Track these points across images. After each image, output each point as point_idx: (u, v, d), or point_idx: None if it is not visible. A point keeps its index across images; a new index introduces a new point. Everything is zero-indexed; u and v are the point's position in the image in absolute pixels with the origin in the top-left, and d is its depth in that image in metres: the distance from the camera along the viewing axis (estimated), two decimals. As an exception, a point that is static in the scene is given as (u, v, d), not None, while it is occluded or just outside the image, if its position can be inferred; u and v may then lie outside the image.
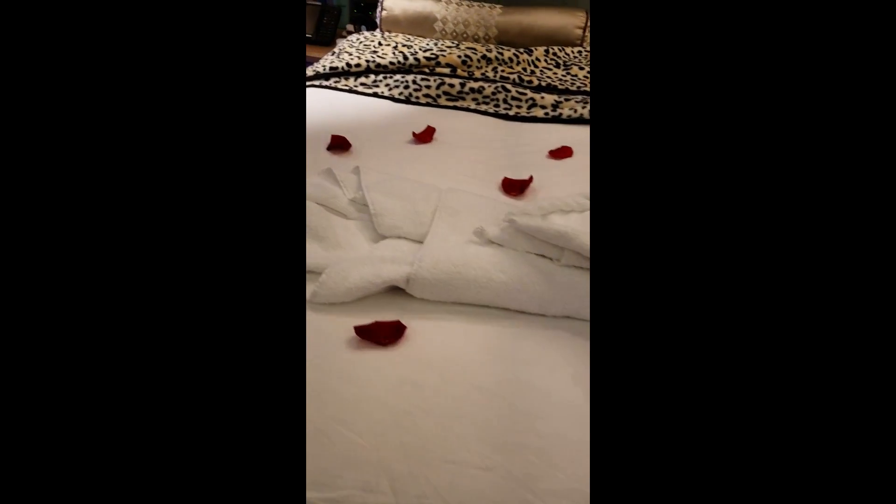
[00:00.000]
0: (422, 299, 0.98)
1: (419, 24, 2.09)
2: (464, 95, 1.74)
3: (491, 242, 1.02)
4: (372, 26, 2.55)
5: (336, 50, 2.00)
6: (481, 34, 2.06)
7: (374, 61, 1.82)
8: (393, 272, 0.96)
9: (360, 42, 2.02)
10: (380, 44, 1.99)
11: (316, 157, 1.41)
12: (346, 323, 0.92)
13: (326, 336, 0.90)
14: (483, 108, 1.71)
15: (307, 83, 1.84)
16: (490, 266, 0.95)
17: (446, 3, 2.10)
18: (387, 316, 0.93)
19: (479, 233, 1.04)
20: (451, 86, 1.74)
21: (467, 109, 1.71)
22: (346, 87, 1.80)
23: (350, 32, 2.64)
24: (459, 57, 1.83)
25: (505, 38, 2.04)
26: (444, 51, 1.87)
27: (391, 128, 1.59)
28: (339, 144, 1.43)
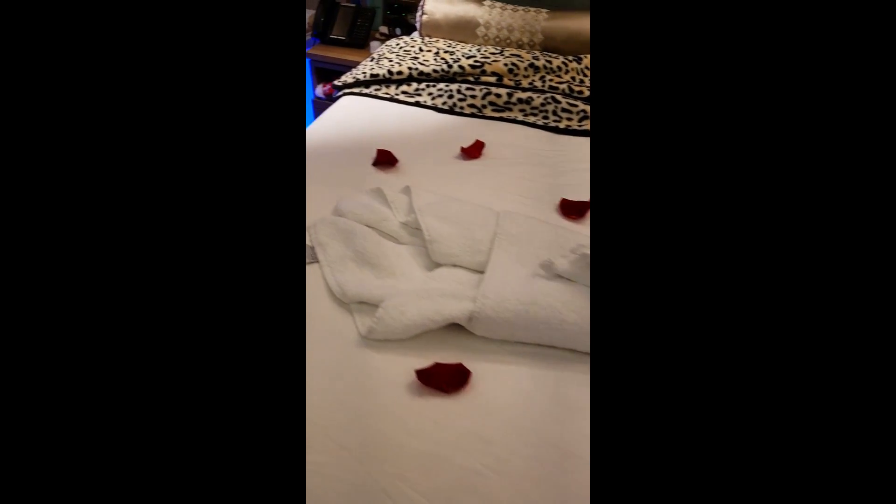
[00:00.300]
0: (483, 337, 0.91)
1: (461, 29, 2.01)
2: (511, 106, 1.66)
3: (559, 276, 0.95)
4: (407, 29, 2.48)
5: (375, 55, 1.94)
6: (526, 40, 1.97)
7: (416, 69, 1.75)
8: (454, 309, 0.89)
9: (400, 47, 1.95)
10: (420, 49, 1.92)
11: (361, 173, 1.34)
12: (405, 363, 0.86)
13: (384, 379, 0.83)
14: (531, 119, 1.63)
15: (347, 90, 1.78)
16: (561, 305, 0.88)
17: (489, 6, 2.02)
18: (446, 356, 0.87)
19: (547, 266, 0.96)
20: (498, 96, 1.67)
21: (514, 121, 1.63)
22: (388, 96, 1.73)
23: (384, 35, 2.57)
24: (506, 65, 1.75)
25: (551, 45, 1.96)
26: (489, 58, 1.79)
27: (437, 141, 1.52)
28: (385, 160, 1.36)
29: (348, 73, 1.85)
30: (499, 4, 2.03)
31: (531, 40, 1.97)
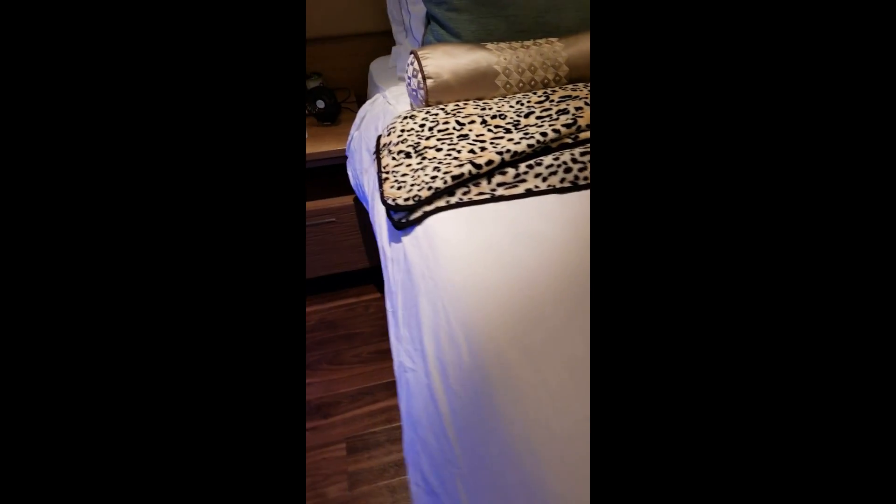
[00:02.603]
0: None
1: (477, 84, 1.62)
2: (636, 159, 1.36)
3: None
4: (327, 96, 1.99)
5: (403, 147, 1.45)
6: (551, 77, 1.67)
7: (507, 150, 1.34)
8: None
9: (428, 128, 1.49)
10: (460, 124, 1.49)
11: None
12: None
13: None
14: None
15: (430, 207, 1.28)
16: None
17: (497, 50, 1.66)
18: None
19: None
20: (620, 152, 1.35)
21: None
22: (485, 196, 1.29)
23: (309, 112, 2.04)
24: (594, 113, 1.44)
25: (577, 75, 1.69)
26: (550, 108, 1.45)
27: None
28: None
29: (402, 185, 1.35)
30: (504, 45, 1.69)
31: (556, 75, 1.68)
